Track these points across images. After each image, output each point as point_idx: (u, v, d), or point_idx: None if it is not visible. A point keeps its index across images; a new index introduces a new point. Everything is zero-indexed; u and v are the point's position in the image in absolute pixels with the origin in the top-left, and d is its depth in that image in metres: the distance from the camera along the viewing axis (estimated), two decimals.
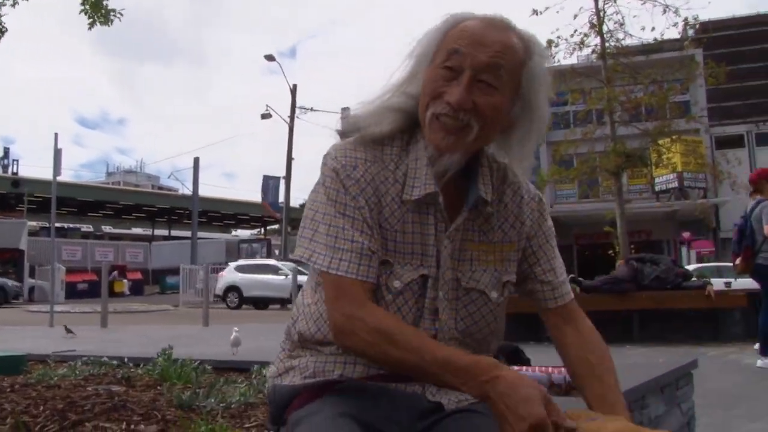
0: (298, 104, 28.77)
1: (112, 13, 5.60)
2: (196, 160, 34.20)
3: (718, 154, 23.49)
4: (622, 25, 14.83)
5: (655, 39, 15.07)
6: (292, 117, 28.52)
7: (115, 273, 28.39)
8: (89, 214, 44.13)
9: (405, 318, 1.12)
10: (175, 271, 26.31)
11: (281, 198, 30.42)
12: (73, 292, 26.41)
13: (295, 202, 29.77)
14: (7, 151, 45.77)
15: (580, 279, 8.47)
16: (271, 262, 22.62)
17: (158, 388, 2.97)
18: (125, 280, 30.23)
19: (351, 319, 1.05)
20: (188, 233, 36.69)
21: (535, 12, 14.63)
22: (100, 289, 12.31)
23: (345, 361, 1.13)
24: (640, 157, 15.97)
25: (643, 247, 22.44)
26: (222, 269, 22.03)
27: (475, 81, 1.08)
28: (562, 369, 1.61)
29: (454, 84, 1.09)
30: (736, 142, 27.78)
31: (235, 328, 4.85)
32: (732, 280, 12.68)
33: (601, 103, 15.28)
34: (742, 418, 3.79)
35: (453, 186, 1.16)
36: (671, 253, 24.37)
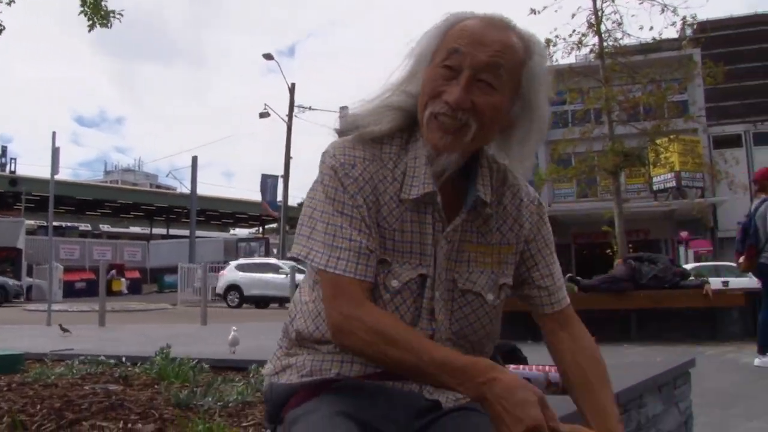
0: (296, 103, 28.80)
1: (111, 15, 5.60)
2: (195, 159, 34.23)
3: (716, 153, 23.56)
4: (620, 24, 14.82)
5: (654, 38, 15.05)
6: (290, 116, 28.52)
7: (113, 272, 28.36)
8: (87, 212, 44.05)
9: (403, 317, 1.12)
10: (173, 270, 26.31)
11: (279, 197, 30.45)
12: (70, 291, 26.41)
13: (293, 201, 29.84)
14: (4, 149, 45.82)
15: (578, 278, 8.48)
16: (272, 260, 22.57)
17: (156, 387, 2.97)
18: (123, 279, 30.21)
19: (349, 318, 1.05)
20: (186, 232, 36.72)
21: (533, 11, 14.60)
22: (98, 288, 12.32)
23: (342, 359, 1.13)
24: (638, 156, 15.97)
25: (641, 247, 22.46)
26: (220, 268, 22.01)
27: (475, 80, 1.08)
28: None
29: (453, 83, 1.09)
30: (733, 141, 27.84)
31: (234, 328, 4.85)
32: (729, 279, 12.72)
33: (599, 102, 15.28)
34: (739, 417, 3.80)
35: (452, 186, 1.16)
36: (669, 253, 24.42)
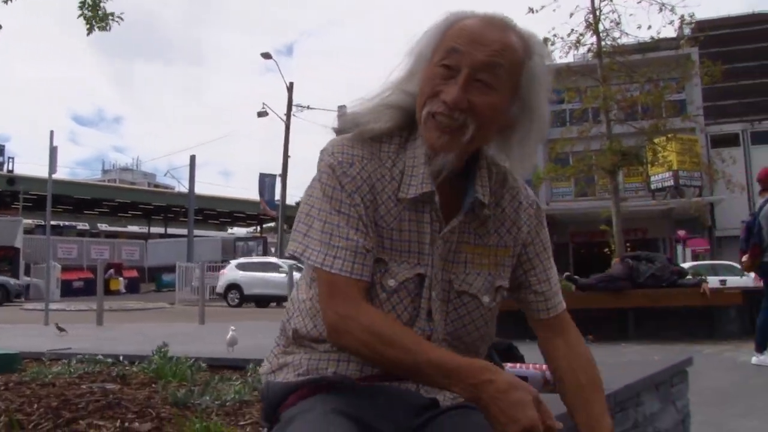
0: (294, 102, 28.79)
1: (110, 17, 5.59)
2: (193, 158, 34.15)
3: (714, 152, 23.62)
4: (618, 23, 14.86)
5: (651, 37, 15.08)
6: (288, 115, 28.51)
7: (111, 271, 28.35)
8: (85, 211, 43.98)
9: (400, 317, 1.11)
10: (171, 269, 26.29)
11: (278, 196, 30.43)
12: (68, 290, 26.36)
13: (291, 200, 29.86)
14: (2, 148, 45.64)
15: (576, 277, 8.50)
16: (272, 259, 22.49)
17: (153, 385, 2.96)
18: (121, 278, 30.18)
19: (345, 318, 1.05)
20: (184, 231, 36.64)
21: (531, 10, 14.61)
22: (95, 287, 12.30)
23: (339, 358, 1.12)
24: (636, 155, 16.01)
25: (639, 245, 22.52)
26: (218, 267, 21.98)
27: (473, 80, 1.07)
28: None
29: (451, 83, 1.08)
30: (731, 140, 27.90)
31: (232, 327, 4.84)
32: (727, 278, 12.75)
33: (597, 101, 15.29)
34: (737, 415, 3.81)
35: (450, 186, 1.15)
36: (667, 251, 24.43)
